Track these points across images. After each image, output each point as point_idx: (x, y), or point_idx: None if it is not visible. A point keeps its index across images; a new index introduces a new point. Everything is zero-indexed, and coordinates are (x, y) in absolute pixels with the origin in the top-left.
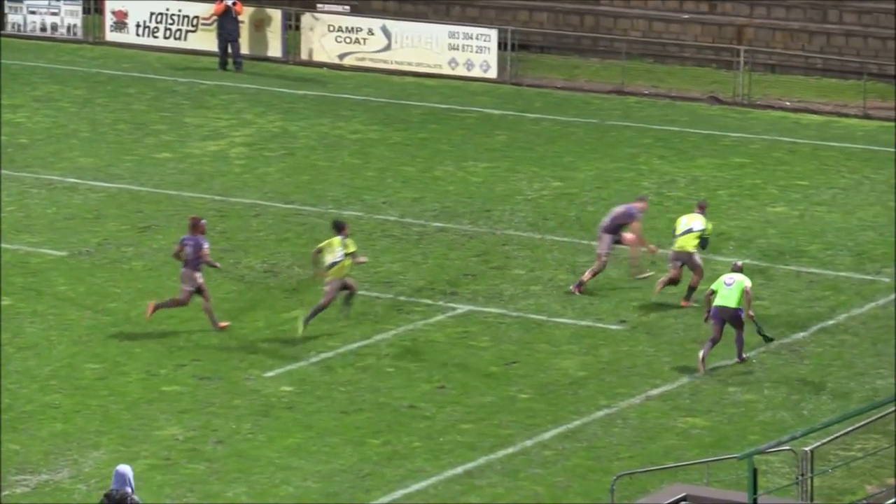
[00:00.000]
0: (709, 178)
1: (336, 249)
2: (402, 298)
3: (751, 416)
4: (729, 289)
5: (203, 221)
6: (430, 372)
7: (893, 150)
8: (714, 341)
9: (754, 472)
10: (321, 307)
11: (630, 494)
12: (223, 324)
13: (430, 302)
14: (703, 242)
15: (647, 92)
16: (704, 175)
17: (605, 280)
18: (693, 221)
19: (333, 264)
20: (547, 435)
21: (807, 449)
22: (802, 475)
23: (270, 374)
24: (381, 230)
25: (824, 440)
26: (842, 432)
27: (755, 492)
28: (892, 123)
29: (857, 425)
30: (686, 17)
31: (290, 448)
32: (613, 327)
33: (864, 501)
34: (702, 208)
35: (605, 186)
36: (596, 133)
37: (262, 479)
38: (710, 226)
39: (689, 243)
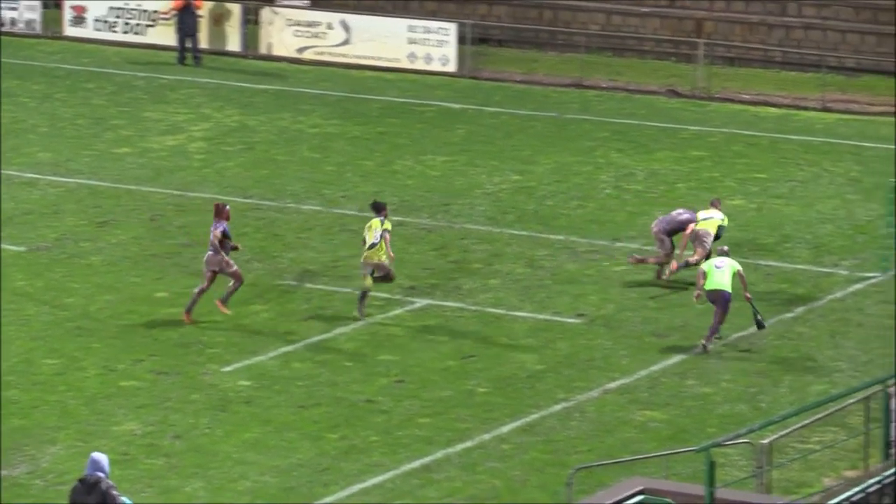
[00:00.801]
0: (667, 171)
1: (375, 230)
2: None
3: (708, 408)
4: (720, 272)
5: (227, 208)
6: (388, 366)
7: (852, 143)
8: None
9: (712, 465)
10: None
11: (588, 488)
12: (188, 318)
13: (388, 296)
14: (720, 231)
15: (605, 85)
16: (663, 168)
17: (562, 274)
18: (712, 212)
19: (373, 245)
20: (505, 429)
21: (764, 441)
22: (760, 468)
23: (228, 368)
24: (339, 224)
25: (782, 433)
26: (799, 425)
27: (713, 485)
28: (851, 116)
29: (814, 418)
30: (645, 10)
31: (248, 443)
32: (571, 321)
33: (822, 494)
34: (715, 205)
35: (563, 180)
36: (555, 127)
37: (219, 474)
38: (726, 219)
39: (710, 226)
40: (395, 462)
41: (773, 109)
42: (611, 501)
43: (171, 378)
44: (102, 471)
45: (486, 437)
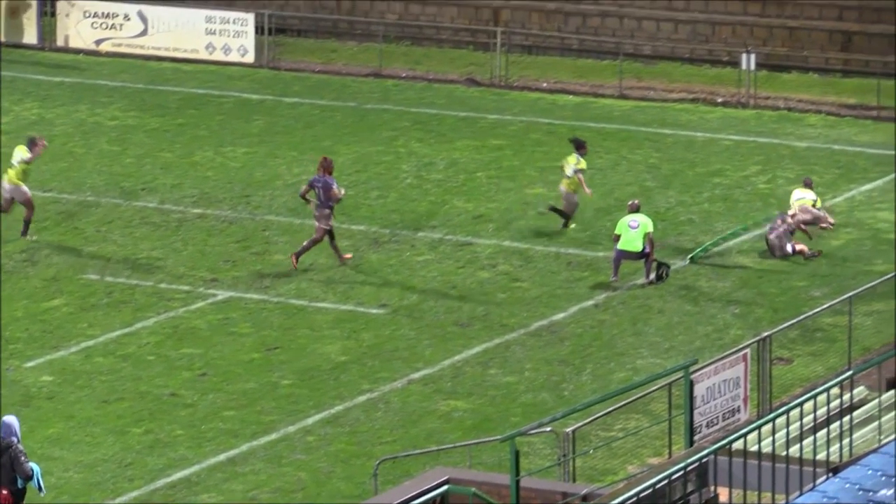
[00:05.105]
0: (467, 160)
1: (569, 165)
2: (162, 286)
3: (512, 397)
4: (634, 232)
5: (331, 161)
6: (192, 359)
7: (650, 129)
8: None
9: (516, 454)
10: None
11: (393, 478)
12: (347, 255)
13: (190, 289)
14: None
15: (404, 75)
16: (463, 157)
17: (365, 264)
18: (805, 192)
19: (567, 177)
20: (309, 420)
21: (568, 430)
22: (564, 456)
23: (30, 364)
24: (140, 217)
25: (585, 421)
26: (602, 413)
27: (517, 473)
28: (648, 103)
29: (617, 405)
30: None
31: (51, 438)
32: (374, 311)
33: (626, 481)
34: (808, 184)
35: (364, 170)
36: (354, 116)
37: None
38: (819, 200)
39: (807, 203)
40: (200, 456)
41: (570, 97)
42: (416, 492)
43: None
44: (15, 434)
45: (291, 429)
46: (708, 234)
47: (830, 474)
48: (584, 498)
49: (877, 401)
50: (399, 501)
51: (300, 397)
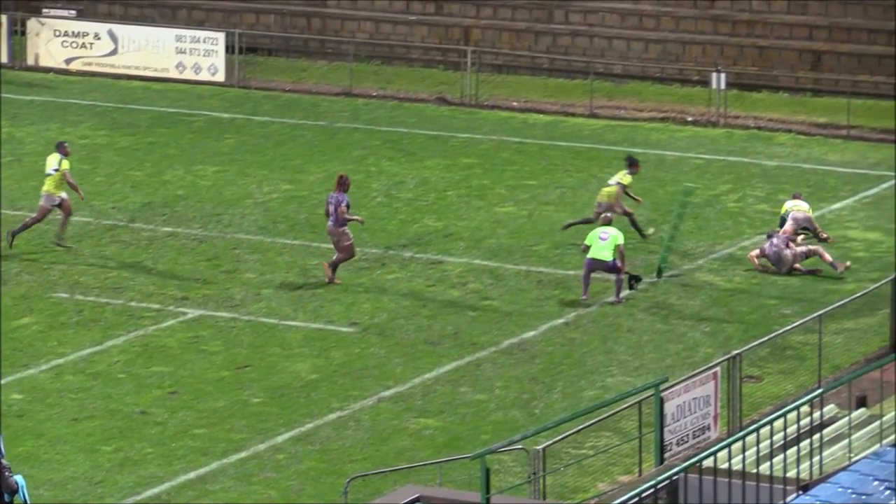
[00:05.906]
0: (438, 178)
1: (614, 177)
2: (132, 304)
3: (483, 415)
4: (605, 243)
5: (348, 180)
6: (162, 377)
7: (620, 148)
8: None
9: (487, 472)
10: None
11: (363, 497)
12: (337, 280)
13: (160, 307)
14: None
15: (375, 93)
16: (433, 176)
17: (335, 282)
18: (799, 202)
19: (608, 185)
20: (280, 438)
21: (539, 448)
22: (535, 474)
23: (0, 382)
24: (110, 236)
25: (556, 439)
26: (573, 430)
27: (488, 491)
28: (618, 122)
29: (588, 423)
30: (413, 18)
31: (21, 457)
32: (345, 329)
33: (597, 499)
34: (797, 196)
35: (334, 189)
36: (324, 135)
37: None
38: (810, 209)
39: (803, 209)
40: (170, 474)
41: (541, 116)
42: None
43: None
44: None
45: (262, 447)
46: (677, 253)
47: (800, 492)
48: None
49: (847, 418)
50: None
51: (270, 415)
